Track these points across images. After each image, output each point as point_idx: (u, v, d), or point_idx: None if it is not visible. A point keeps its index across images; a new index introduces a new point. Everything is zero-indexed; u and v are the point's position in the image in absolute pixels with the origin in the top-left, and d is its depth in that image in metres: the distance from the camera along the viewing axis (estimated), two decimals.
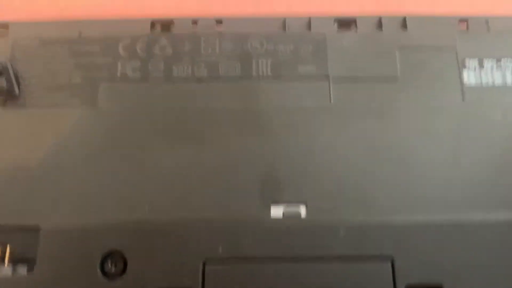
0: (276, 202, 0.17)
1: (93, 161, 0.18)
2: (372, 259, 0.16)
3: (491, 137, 0.18)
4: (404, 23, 0.20)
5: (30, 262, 0.16)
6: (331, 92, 0.19)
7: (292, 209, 0.17)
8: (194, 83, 0.19)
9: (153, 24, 0.20)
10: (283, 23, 0.20)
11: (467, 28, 0.20)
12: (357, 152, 0.18)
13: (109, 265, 0.15)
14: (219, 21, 0.20)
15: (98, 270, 0.16)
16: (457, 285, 0.16)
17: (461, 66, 0.19)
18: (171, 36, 0.19)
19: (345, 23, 0.20)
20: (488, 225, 0.17)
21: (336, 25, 0.20)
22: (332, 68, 0.19)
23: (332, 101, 0.19)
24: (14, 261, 0.16)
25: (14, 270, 0.16)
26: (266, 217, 0.17)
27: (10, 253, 0.16)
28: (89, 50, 0.19)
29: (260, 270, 0.16)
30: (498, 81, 0.19)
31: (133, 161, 0.18)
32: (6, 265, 0.16)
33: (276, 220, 0.17)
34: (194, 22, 0.20)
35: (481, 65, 0.19)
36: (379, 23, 0.20)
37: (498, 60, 0.19)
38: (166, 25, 0.20)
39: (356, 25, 0.20)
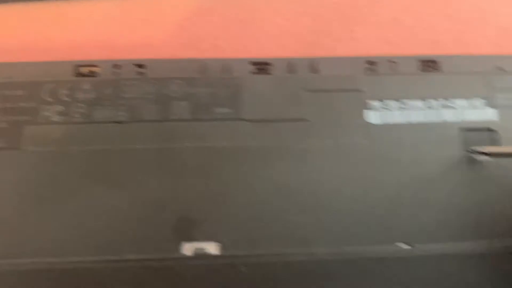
0: (189, 240, 0.19)
1: (15, 202, 0.19)
2: None
3: (393, 172, 0.20)
4: (314, 65, 0.21)
5: None
6: (246, 134, 0.20)
7: (203, 246, 0.18)
8: (114, 125, 0.20)
9: (76, 67, 0.21)
10: (203, 65, 0.21)
11: (373, 69, 0.21)
12: (268, 190, 0.19)
13: None
14: (140, 65, 0.21)
15: None
16: None
17: (366, 107, 0.21)
18: (93, 80, 0.20)
19: (260, 66, 0.21)
20: (384, 257, 0.18)
21: (252, 67, 0.21)
22: (247, 110, 0.20)
23: (247, 142, 0.20)
24: None
25: None
26: (177, 254, 0.18)
27: None
28: (14, 94, 0.20)
29: None
30: (399, 120, 0.21)
31: (55, 202, 0.19)
32: None
33: (187, 257, 0.18)
34: (117, 66, 0.21)
35: (384, 105, 0.21)
36: (291, 66, 0.21)
37: (401, 101, 0.21)
38: (89, 69, 0.21)
39: (270, 68, 0.21)
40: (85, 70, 0.21)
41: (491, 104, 0.21)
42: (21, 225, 0.18)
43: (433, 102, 0.21)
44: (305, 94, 0.21)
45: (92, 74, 0.21)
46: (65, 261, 0.18)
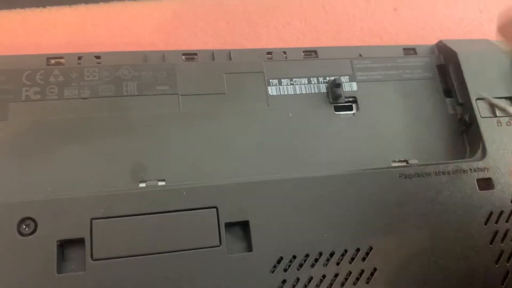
0: (143, 180, 0.26)
1: (4, 164, 0.25)
2: (204, 208, 0.25)
3: (286, 127, 0.28)
4: (229, 55, 0.29)
5: None
6: (180, 104, 0.28)
7: (154, 183, 0.26)
8: (80, 101, 0.27)
9: (48, 59, 0.27)
10: (145, 56, 0.29)
11: (272, 58, 0.30)
12: (197, 143, 0.27)
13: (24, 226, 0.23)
14: (97, 57, 0.28)
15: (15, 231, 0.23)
16: (259, 220, 0.25)
17: (267, 83, 0.29)
18: (62, 68, 0.27)
19: (190, 56, 0.29)
20: (280, 181, 0.26)
21: (183, 57, 0.29)
22: (180, 87, 0.28)
23: (181, 110, 0.27)
24: None
25: None
26: (135, 188, 0.25)
27: None
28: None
29: (130, 222, 0.24)
30: (290, 92, 0.29)
31: (38, 158, 0.25)
32: None
33: (141, 188, 0.25)
34: (79, 57, 0.28)
35: (280, 82, 0.29)
36: (213, 56, 0.29)
37: (291, 79, 0.30)
38: (58, 60, 0.27)
39: (197, 57, 0.29)
40: (54, 61, 0.27)
41: (352, 79, 0.30)
42: (11, 178, 0.24)
43: (314, 79, 0.30)
44: (223, 75, 0.29)
45: (59, 64, 0.27)
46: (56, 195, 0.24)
